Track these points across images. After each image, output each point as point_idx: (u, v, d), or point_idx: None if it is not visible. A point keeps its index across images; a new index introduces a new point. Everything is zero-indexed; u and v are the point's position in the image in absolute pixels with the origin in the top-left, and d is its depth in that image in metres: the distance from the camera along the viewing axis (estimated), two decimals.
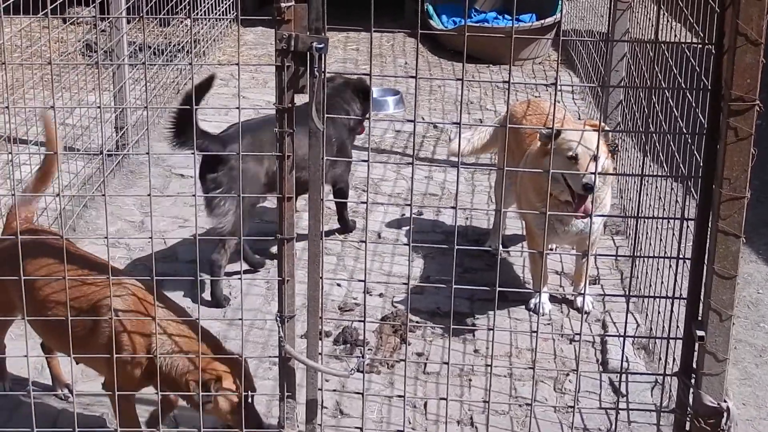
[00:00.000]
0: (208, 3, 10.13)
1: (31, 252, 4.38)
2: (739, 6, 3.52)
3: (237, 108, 3.96)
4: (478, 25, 11.01)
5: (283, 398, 4.25)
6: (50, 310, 4.31)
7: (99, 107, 4.33)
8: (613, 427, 4.73)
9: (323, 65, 3.83)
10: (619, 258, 6.48)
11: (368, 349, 5.48)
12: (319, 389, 4.27)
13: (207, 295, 6.03)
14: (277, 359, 4.27)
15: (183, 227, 6.87)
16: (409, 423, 4.90)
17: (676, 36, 5.57)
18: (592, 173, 5.15)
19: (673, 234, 5.15)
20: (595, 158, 5.30)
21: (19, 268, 4.12)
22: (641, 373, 5.26)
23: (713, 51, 3.80)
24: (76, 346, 4.24)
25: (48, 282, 4.30)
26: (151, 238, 4.09)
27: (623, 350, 4.52)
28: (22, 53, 8.59)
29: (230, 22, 11.13)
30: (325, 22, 3.78)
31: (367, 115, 6.73)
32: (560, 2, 10.45)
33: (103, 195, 4.20)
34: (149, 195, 4.03)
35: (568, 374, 5.32)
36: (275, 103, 3.90)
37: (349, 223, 6.93)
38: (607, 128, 5.96)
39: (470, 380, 5.29)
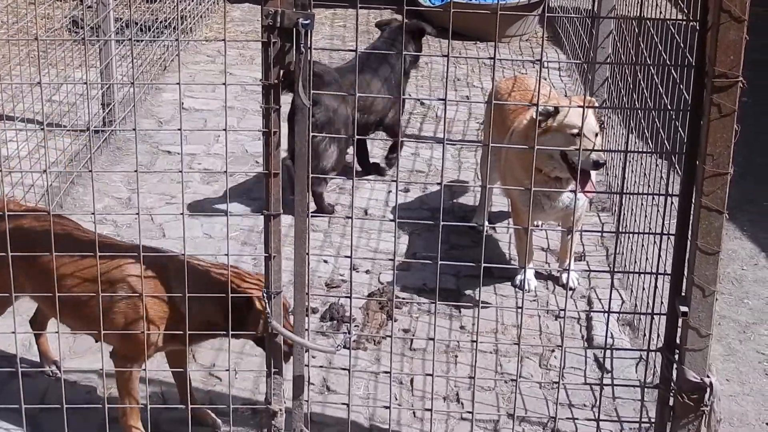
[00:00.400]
0: None
1: (37, 231, 4.37)
2: None
3: (223, 84, 3.96)
4: (464, 2, 10.99)
5: (270, 374, 4.27)
6: (68, 288, 4.32)
7: (86, 83, 4.32)
8: (598, 402, 4.77)
9: (309, 41, 3.83)
10: (604, 234, 6.51)
11: (355, 326, 5.51)
12: (305, 365, 4.29)
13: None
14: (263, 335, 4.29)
15: (170, 204, 6.87)
16: (396, 399, 4.93)
17: (661, 13, 5.59)
18: (599, 150, 5.23)
19: (658, 210, 5.18)
20: (596, 135, 5.38)
21: (25, 247, 4.16)
22: (625, 349, 5.29)
23: (697, 28, 3.82)
24: (93, 320, 4.24)
25: (62, 260, 4.28)
26: (137, 214, 4.10)
27: (608, 326, 4.54)
28: (9, 29, 8.56)
29: None
30: None
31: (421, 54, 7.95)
32: None
33: (90, 171, 4.20)
34: (136, 171, 4.04)
35: (553, 350, 5.35)
36: (261, 80, 3.90)
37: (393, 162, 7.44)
38: (596, 104, 5.99)
39: (456, 356, 5.32)
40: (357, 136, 6.96)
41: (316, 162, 6.57)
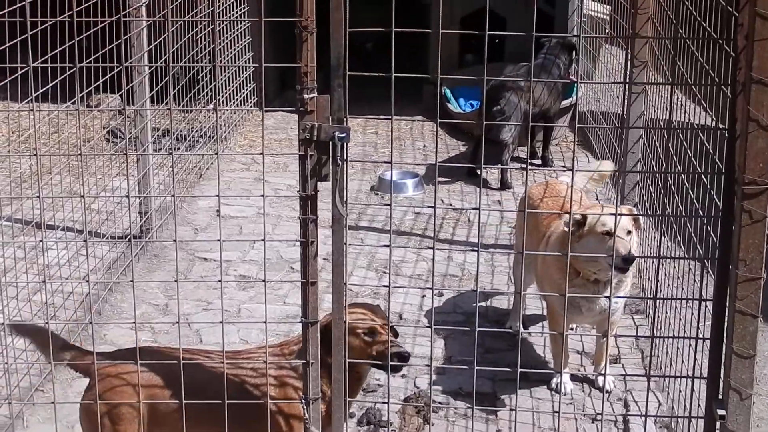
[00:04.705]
0: (229, 89, 10.32)
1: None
2: (751, 92, 3.63)
3: (261, 196, 4.05)
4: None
5: None
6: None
7: (127, 196, 4.43)
8: None
9: (345, 153, 3.93)
10: (639, 337, 6.51)
11: (392, 430, 5.52)
12: None
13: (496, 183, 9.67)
14: None
15: (207, 310, 6.94)
16: None
17: (689, 119, 5.67)
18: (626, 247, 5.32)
19: (692, 313, 5.20)
20: (628, 233, 5.44)
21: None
22: None
23: (726, 135, 3.89)
24: None
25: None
26: (177, 322, 4.17)
27: (645, 429, 4.54)
28: (49, 139, 8.76)
29: (251, 107, 11.33)
30: (346, 111, 3.90)
31: (574, 66, 10.37)
32: (576, 85, 10.58)
33: (132, 281, 4.29)
34: (176, 281, 4.12)
35: None
36: (299, 191, 4.00)
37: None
38: (635, 211, 6.06)
39: None
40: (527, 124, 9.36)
41: (498, 134, 9.37)
